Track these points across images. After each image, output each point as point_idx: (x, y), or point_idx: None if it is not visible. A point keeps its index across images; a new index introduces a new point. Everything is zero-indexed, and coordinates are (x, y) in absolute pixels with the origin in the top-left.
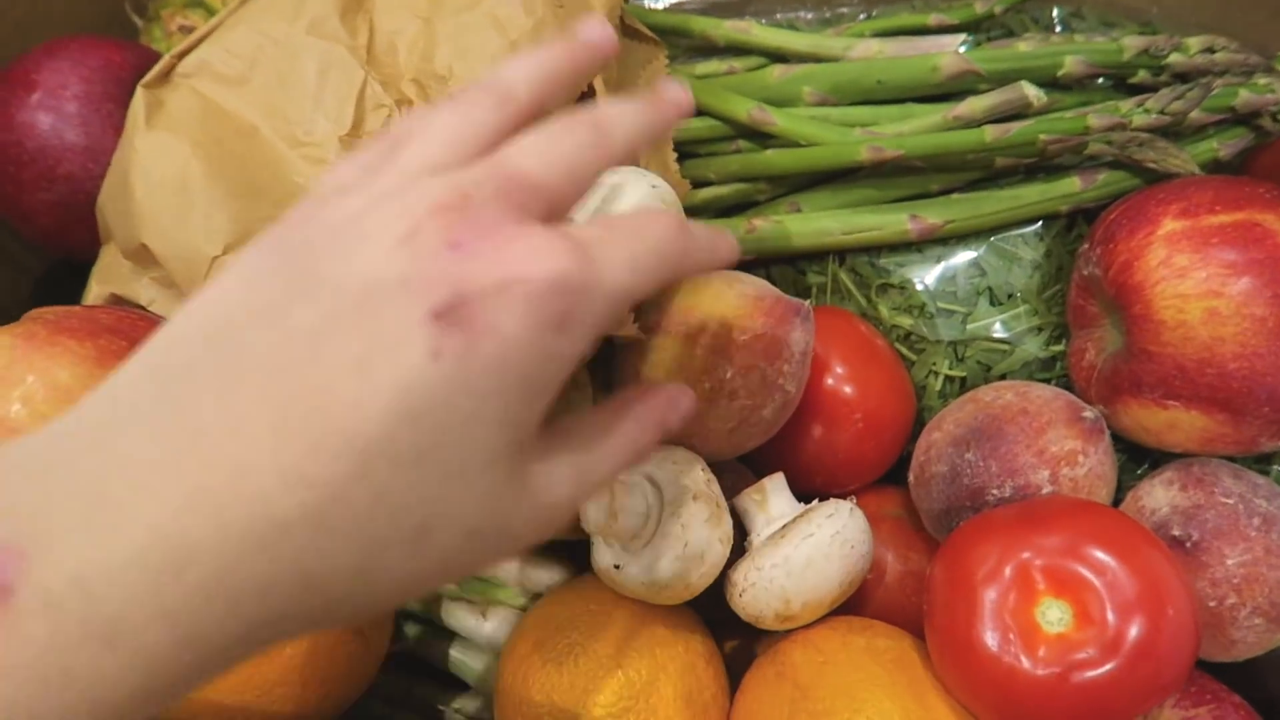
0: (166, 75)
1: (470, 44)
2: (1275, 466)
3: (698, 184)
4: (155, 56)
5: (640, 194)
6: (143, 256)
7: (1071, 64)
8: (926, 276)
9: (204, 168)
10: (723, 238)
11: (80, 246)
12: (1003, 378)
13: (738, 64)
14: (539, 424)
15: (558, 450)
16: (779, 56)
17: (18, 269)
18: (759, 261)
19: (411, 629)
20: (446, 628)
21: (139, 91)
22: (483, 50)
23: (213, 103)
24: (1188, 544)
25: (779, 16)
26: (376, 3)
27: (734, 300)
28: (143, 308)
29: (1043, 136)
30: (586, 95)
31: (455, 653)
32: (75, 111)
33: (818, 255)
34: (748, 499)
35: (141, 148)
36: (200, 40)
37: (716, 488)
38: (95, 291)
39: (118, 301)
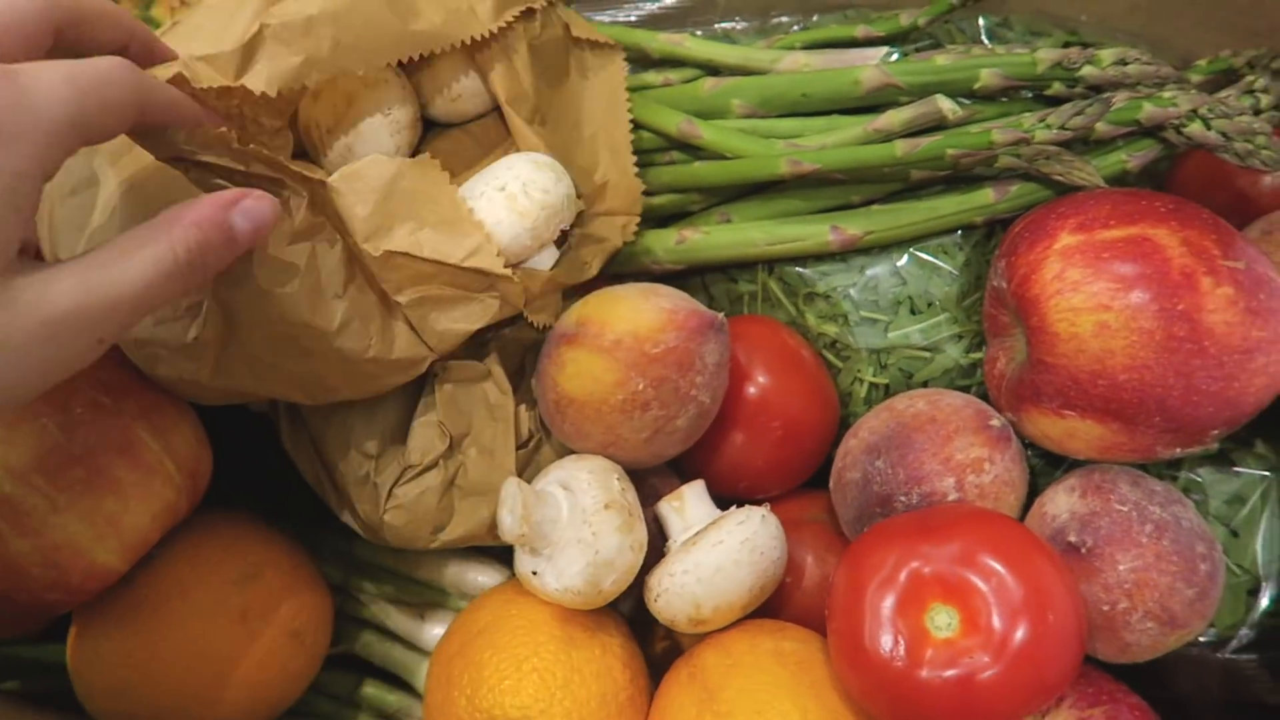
0: None
1: None
2: (1183, 473)
3: None
4: None
5: (514, 160)
6: None
7: (987, 76)
8: (851, 286)
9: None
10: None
11: None
12: (925, 385)
13: (673, 75)
14: (13, 244)
15: (62, 268)
16: (711, 69)
17: None
18: (692, 270)
19: (355, 631)
20: (388, 630)
21: None
22: None
23: None
24: (1083, 549)
25: (717, 27)
26: None
27: (649, 314)
28: None
29: (950, 151)
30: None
31: (397, 654)
32: None
33: (748, 265)
34: (667, 505)
35: None
36: None
37: (631, 495)
38: None
39: None
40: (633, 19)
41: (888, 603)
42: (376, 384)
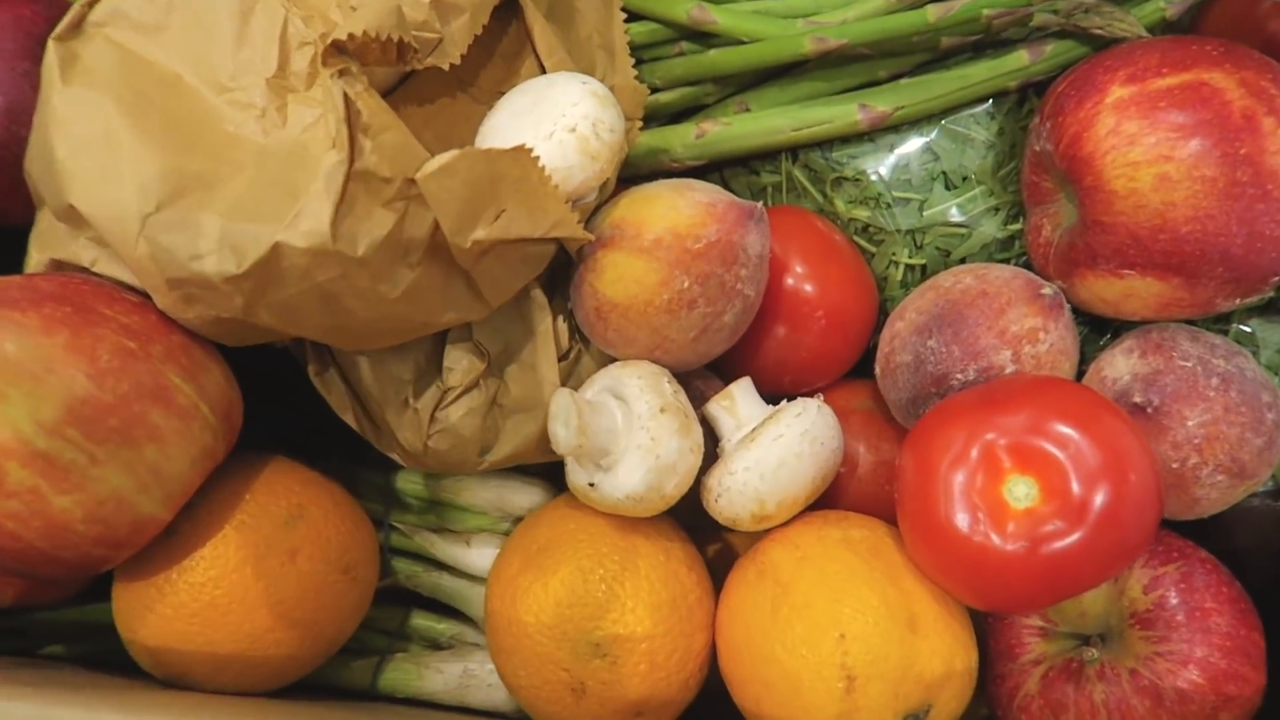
0: (78, 26)
1: None
2: (1233, 325)
3: None
4: (66, 7)
5: (572, 91)
6: (73, 217)
7: None
8: (880, 166)
9: (128, 122)
10: None
11: (16, 211)
12: (962, 261)
13: None
14: None
15: None
16: None
17: None
18: (711, 165)
19: (400, 563)
20: (434, 559)
21: (50, 45)
22: None
23: (130, 52)
24: (1149, 409)
25: None
26: None
27: (686, 210)
28: (86, 269)
29: (986, 11)
30: (514, 13)
31: (446, 582)
32: None
33: (770, 154)
34: (716, 405)
35: (59, 105)
36: None
37: (684, 398)
38: (35, 258)
39: (59, 266)
40: None
41: (961, 479)
42: (414, 335)
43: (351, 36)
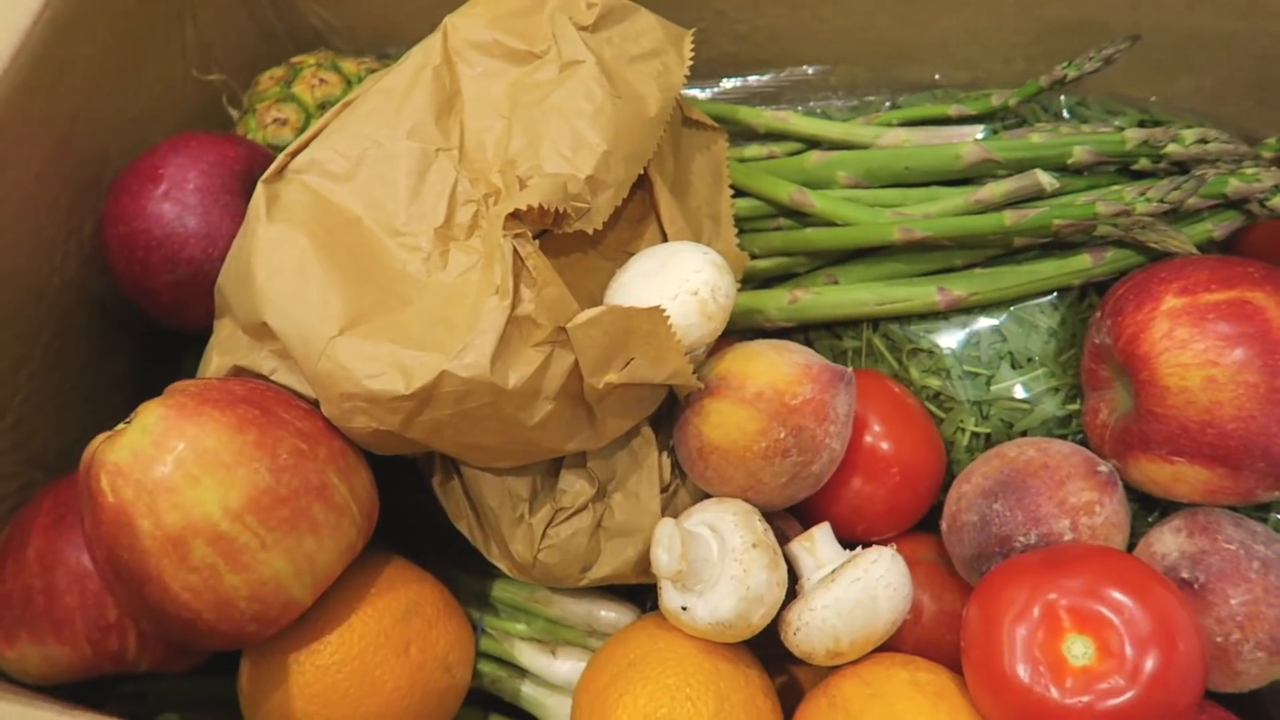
0: (281, 171)
1: (539, 132)
2: (1273, 514)
3: None
4: (261, 151)
5: (695, 260)
6: (263, 332)
7: (1080, 153)
8: (953, 342)
9: (318, 255)
10: None
11: (194, 321)
12: (1024, 434)
13: (777, 149)
14: None
15: None
16: (814, 143)
17: (125, 335)
18: (799, 328)
19: (485, 667)
20: (518, 666)
21: (260, 187)
22: (549, 137)
23: (322, 196)
24: (1195, 585)
25: (812, 104)
26: (466, 106)
27: (786, 369)
28: (264, 377)
29: (1056, 221)
30: (640, 184)
31: (527, 689)
32: (196, 202)
33: (853, 323)
34: (798, 545)
35: (263, 236)
36: (310, 140)
37: (772, 536)
38: (217, 363)
39: (240, 372)
40: (730, 95)
41: (1023, 633)
42: (538, 459)
43: (529, 207)
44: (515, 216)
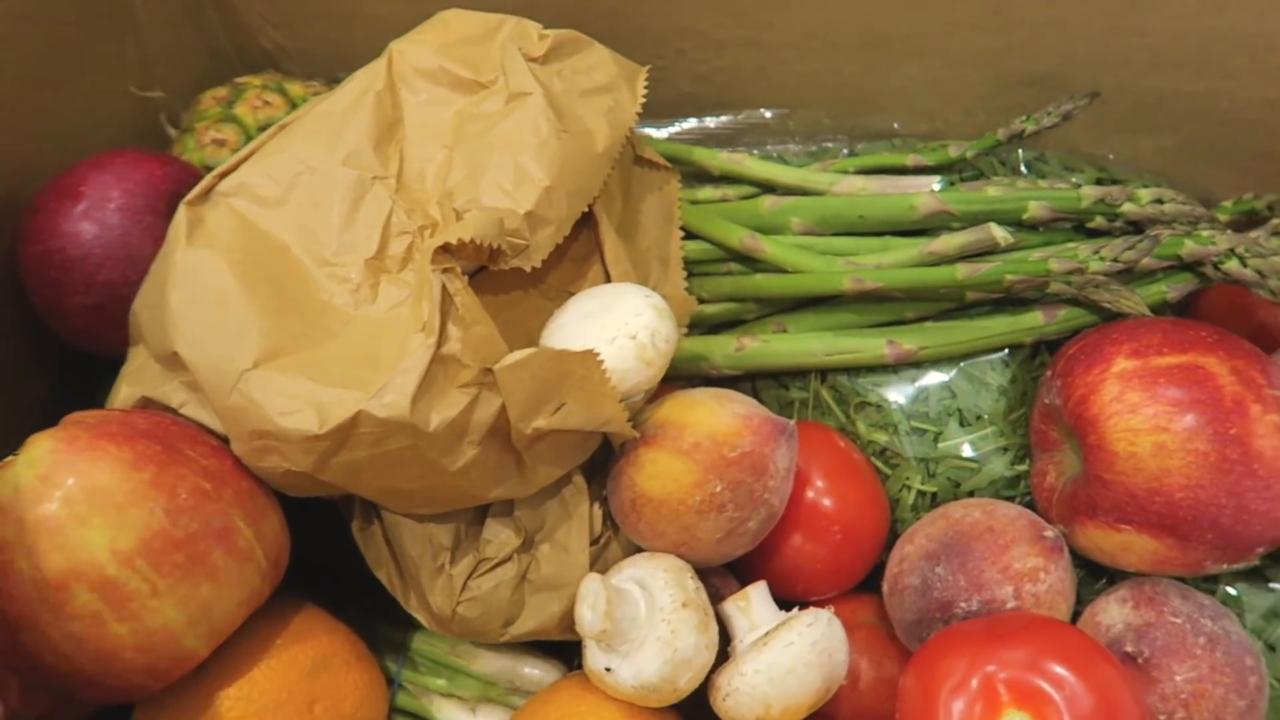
0: (207, 193)
1: (481, 164)
2: (1222, 587)
3: None
4: (193, 172)
5: (636, 303)
6: (174, 362)
7: (1035, 208)
8: (901, 397)
9: (238, 284)
10: None
11: (110, 347)
12: (971, 494)
13: (731, 191)
14: None
15: None
16: (769, 187)
17: (38, 360)
18: (746, 377)
19: None
20: None
21: (181, 208)
22: (491, 170)
23: (249, 222)
24: (1140, 660)
25: (770, 148)
26: (408, 134)
27: (725, 419)
28: (174, 410)
29: (1009, 276)
30: (586, 223)
31: None
32: (117, 222)
33: (801, 373)
34: (732, 605)
35: (181, 261)
36: (240, 162)
37: (704, 595)
38: (125, 393)
39: (147, 403)
40: (687, 135)
41: (960, 707)
42: (461, 506)
43: (460, 242)
44: (446, 250)
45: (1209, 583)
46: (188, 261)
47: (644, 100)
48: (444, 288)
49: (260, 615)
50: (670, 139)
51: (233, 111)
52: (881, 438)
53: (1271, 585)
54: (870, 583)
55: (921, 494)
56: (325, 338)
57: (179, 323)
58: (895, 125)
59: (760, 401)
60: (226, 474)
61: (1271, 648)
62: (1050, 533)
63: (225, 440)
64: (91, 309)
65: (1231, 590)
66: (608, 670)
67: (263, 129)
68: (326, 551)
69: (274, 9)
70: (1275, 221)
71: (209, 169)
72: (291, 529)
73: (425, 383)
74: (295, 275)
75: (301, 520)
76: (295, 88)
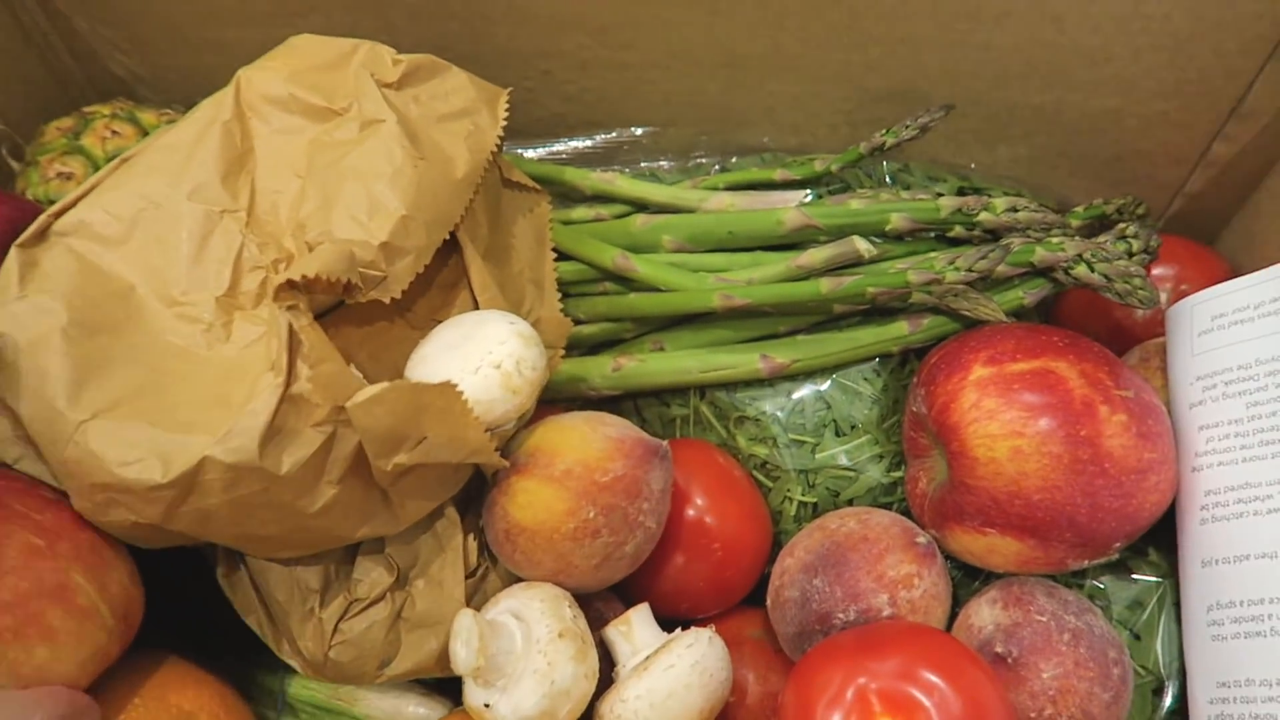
0: (43, 234)
1: (333, 194)
2: (1088, 580)
3: None
4: (34, 209)
5: (500, 330)
6: (9, 417)
7: (897, 220)
8: (778, 410)
9: (76, 331)
10: None
11: None
12: (850, 502)
13: (604, 211)
14: None
15: None
16: (641, 205)
17: None
18: (627, 396)
19: None
20: None
21: (13, 252)
22: (344, 200)
23: (89, 263)
24: (1009, 659)
25: (644, 165)
26: (259, 165)
27: (597, 444)
28: (6, 465)
29: (870, 289)
30: (453, 249)
31: None
32: None
33: (681, 390)
34: (614, 630)
35: (12, 310)
36: (79, 199)
37: (583, 623)
38: None
39: None
40: (561, 156)
41: (837, 719)
42: (326, 548)
43: (305, 278)
44: (293, 286)
45: (1077, 578)
46: (20, 310)
47: (505, 123)
48: (290, 325)
49: (117, 671)
50: (542, 159)
51: (79, 143)
52: (761, 451)
53: (1134, 577)
54: (756, 596)
55: (803, 505)
56: (173, 382)
57: (10, 374)
58: (765, 140)
59: (643, 419)
60: (62, 529)
61: (1137, 636)
62: (922, 539)
63: (64, 494)
64: None
65: (1099, 584)
66: (486, 706)
67: (112, 160)
68: (195, 599)
69: (122, 34)
70: (1121, 225)
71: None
72: (155, 577)
73: (275, 424)
74: (140, 317)
75: (165, 567)
76: (148, 116)
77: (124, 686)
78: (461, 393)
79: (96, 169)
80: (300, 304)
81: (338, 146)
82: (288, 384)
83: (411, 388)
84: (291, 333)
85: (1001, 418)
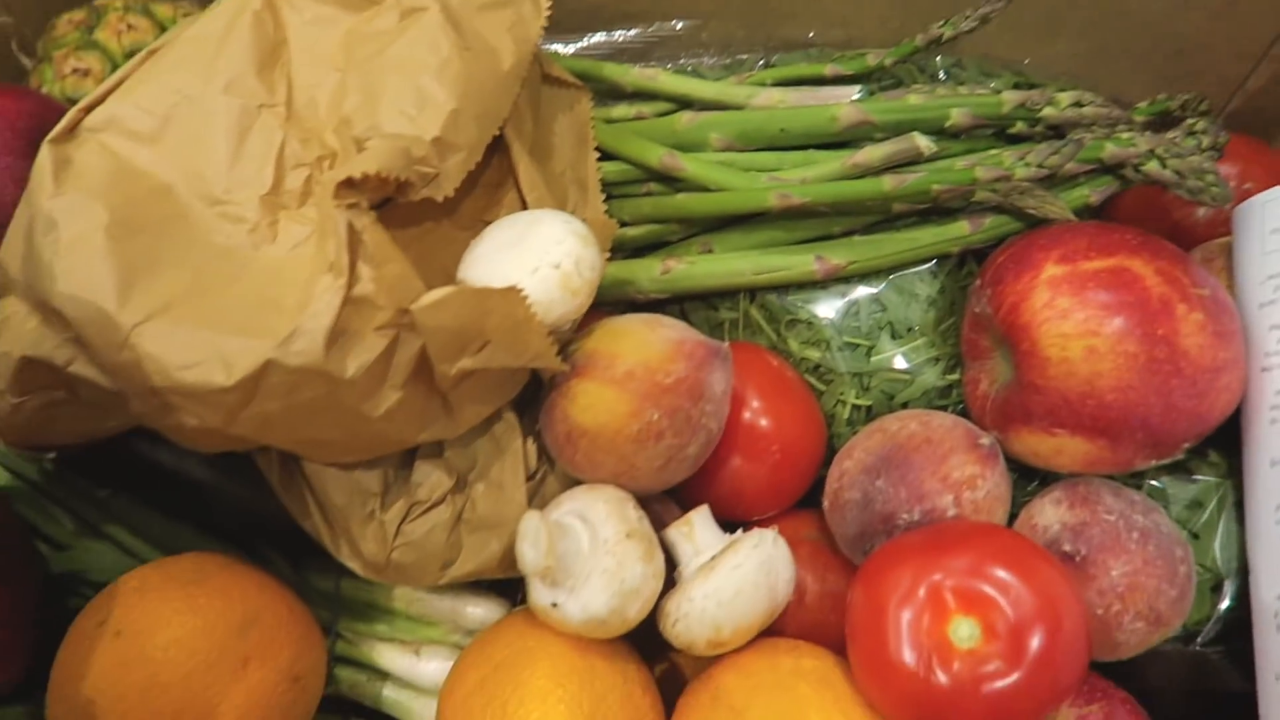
0: (73, 130)
1: (377, 88)
2: (1148, 481)
3: None
4: (53, 106)
5: (556, 230)
6: (54, 318)
7: (957, 116)
8: (832, 312)
9: (119, 230)
10: None
11: None
12: (905, 406)
13: (645, 109)
14: None
15: None
16: (685, 103)
17: None
18: (673, 300)
19: (343, 672)
20: (379, 669)
21: (45, 148)
22: (390, 94)
23: (123, 160)
24: (1077, 558)
25: (683, 61)
26: (294, 57)
27: (657, 346)
28: (60, 369)
29: (935, 186)
30: (497, 147)
31: (389, 693)
32: None
33: (730, 293)
34: (676, 531)
35: (50, 207)
36: (107, 94)
37: (647, 524)
38: (1, 355)
39: (29, 363)
40: (598, 51)
41: (908, 617)
42: (386, 452)
43: (365, 175)
44: (350, 185)
45: (1135, 478)
46: (58, 207)
47: (548, 14)
48: (350, 225)
49: (182, 575)
50: (578, 55)
51: (94, 37)
52: (814, 354)
53: (1194, 477)
54: (810, 498)
55: (856, 408)
56: (221, 284)
57: (55, 276)
58: (810, 34)
59: (689, 324)
60: None
61: (1196, 536)
62: (986, 440)
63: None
64: None
65: (1156, 483)
66: (554, 606)
67: (130, 55)
68: (247, 504)
69: None
70: (1190, 121)
71: (72, 102)
72: (206, 488)
73: (338, 327)
74: (182, 217)
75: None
76: (162, 8)
77: (192, 587)
78: (526, 296)
79: (114, 65)
80: (361, 203)
81: (377, 37)
82: (349, 286)
83: (477, 292)
84: (352, 232)
85: (1075, 317)
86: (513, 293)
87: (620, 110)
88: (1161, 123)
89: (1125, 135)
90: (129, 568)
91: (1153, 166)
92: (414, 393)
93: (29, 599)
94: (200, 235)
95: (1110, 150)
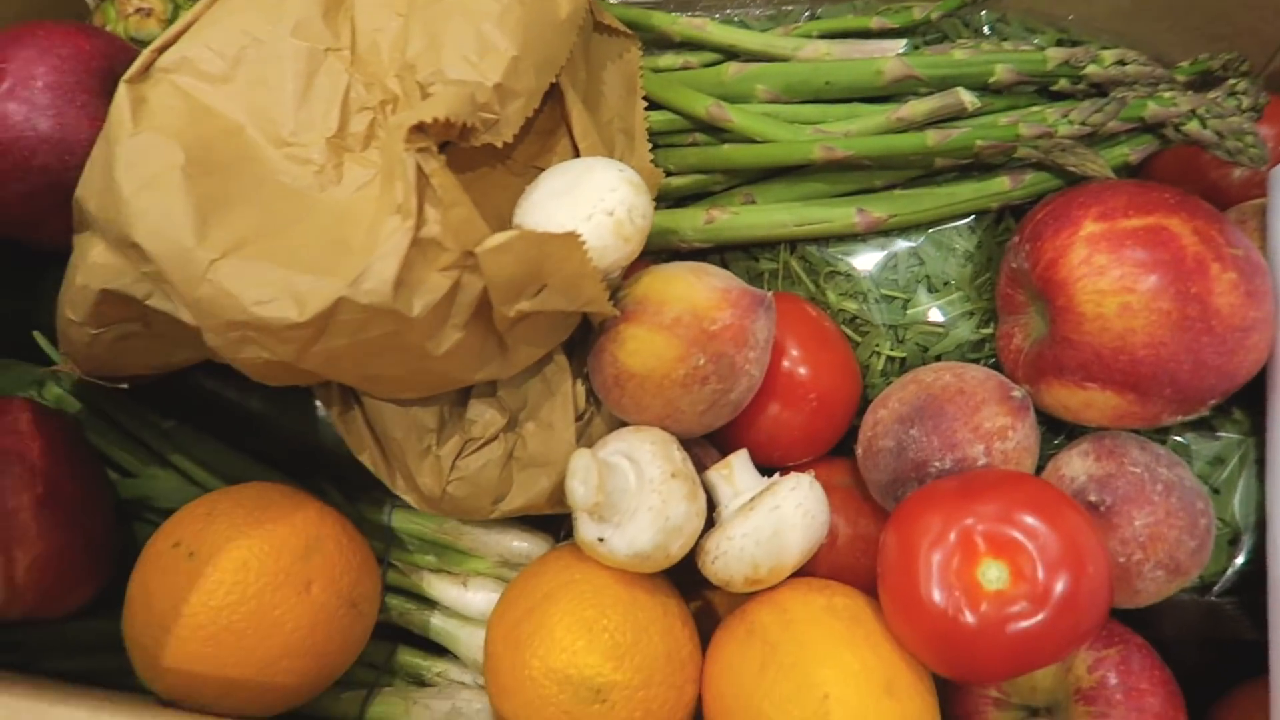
0: (147, 70)
1: (439, 33)
2: (1172, 436)
3: None
4: (122, 46)
5: (610, 177)
6: (133, 253)
7: (1002, 72)
8: (870, 265)
9: (194, 168)
10: None
11: (53, 237)
12: (938, 358)
13: (693, 59)
14: None
15: None
16: (731, 53)
17: None
18: (715, 249)
19: (393, 600)
20: (428, 598)
21: (122, 86)
22: (452, 39)
23: (197, 101)
24: (1102, 508)
25: (729, 11)
26: (357, 2)
27: (704, 293)
28: (139, 301)
29: (979, 142)
30: (550, 94)
31: (437, 621)
32: (47, 102)
33: (770, 244)
34: (716, 474)
35: (128, 145)
36: (179, 35)
37: (690, 465)
38: (81, 287)
39: (108, 297)
40: (646, 0)
41: (939, 559)
42: (445, 389)
43: (435, 120)
44: (419, 129)
45: (1160, 433)
46: (136, 145)
47: None
48: (419, 168)
49: (248, 502)
50: (626, 3)
51: None
52: (851, 306)
53: (1218, 434)
54: (843, 446)
55: (891, 359)
56: (289, 223)
57: (135, 211)
58: None
59: (730, 273)
60: None
61: (1216, 491)
62: (1018, 393)
63: None
64: (29, 196)
65: (1180, 439)
66: (600, 541)
67: None
68: (303, 437)
69: None
70: (1231, 82)
71: (135, 41)
72: (264, 421)
73: (405, 267)
74: (252, 157)
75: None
76: None
77: (258, 512)
78: (584, 242)
79: (175, 4)
80: (431, 146)
81: None
82: (417, 227)
83: (538, 237)
84: (420, 175)
85: (1112, 274)
86: (571, 238)
87: (667, 60)
88: (1202, 82)
89: (1167, 94)
90: (192, 496)
91: (1193, 126)
92: (473, 333)
93: (105, 522)
94: (269, 175)
95: (1152, 109)
